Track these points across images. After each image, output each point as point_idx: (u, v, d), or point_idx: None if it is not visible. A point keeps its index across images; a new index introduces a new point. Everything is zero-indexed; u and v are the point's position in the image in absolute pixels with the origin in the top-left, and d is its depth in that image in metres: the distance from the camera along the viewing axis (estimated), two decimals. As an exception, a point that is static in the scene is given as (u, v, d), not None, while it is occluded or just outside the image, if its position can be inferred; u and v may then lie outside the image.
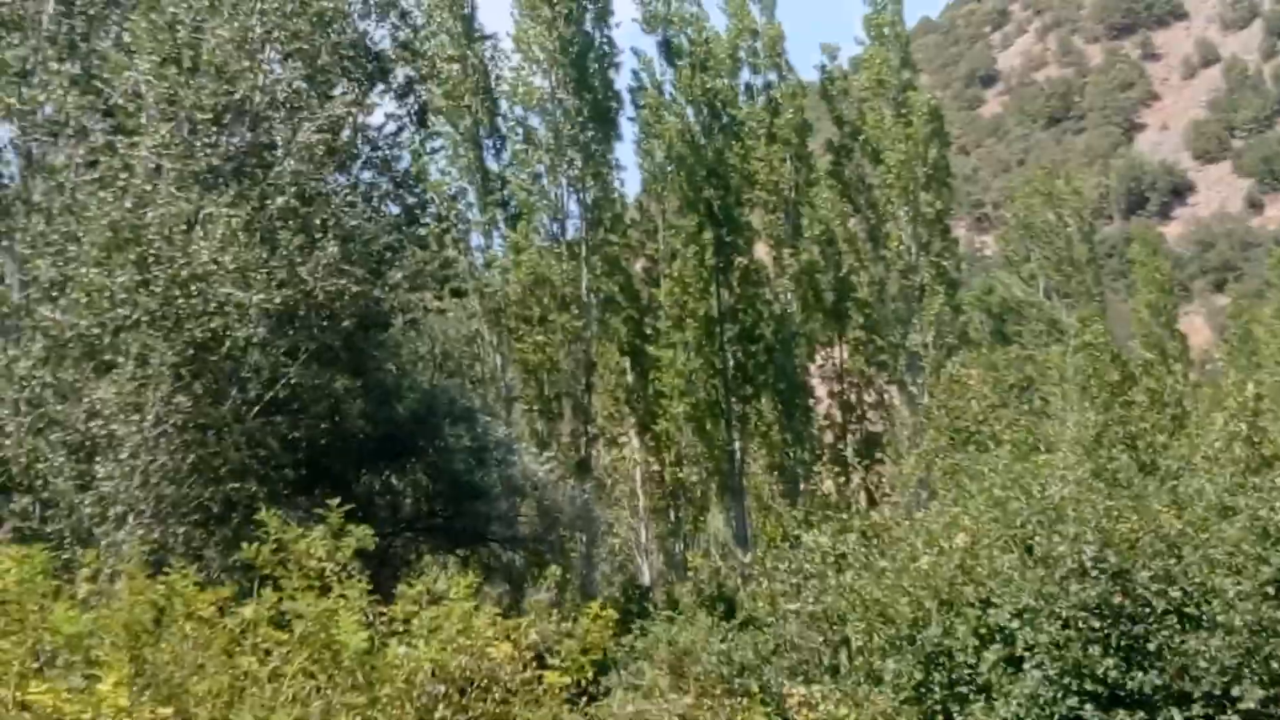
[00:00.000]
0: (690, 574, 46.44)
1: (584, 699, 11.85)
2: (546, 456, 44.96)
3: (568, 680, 10.95)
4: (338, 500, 12.04)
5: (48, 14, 26.41)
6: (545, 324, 51.26)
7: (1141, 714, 14.00)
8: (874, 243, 59.18)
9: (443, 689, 10.54)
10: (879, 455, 57.29)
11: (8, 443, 24.33)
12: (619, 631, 20.44)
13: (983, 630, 14.82)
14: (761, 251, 58.08)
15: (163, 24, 25.50)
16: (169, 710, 9.70)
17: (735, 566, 43.45)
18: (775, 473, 56.04)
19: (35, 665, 10.03)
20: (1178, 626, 14.40)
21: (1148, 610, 14.39)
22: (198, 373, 24.99)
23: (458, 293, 48.76)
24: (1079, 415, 22.19)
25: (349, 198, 31.16)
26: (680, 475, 54.73)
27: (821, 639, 16.64)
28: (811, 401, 56.45)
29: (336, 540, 11.27)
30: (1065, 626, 14.25)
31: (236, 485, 25.64)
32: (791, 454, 54.88)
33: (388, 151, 35.24)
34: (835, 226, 59.13)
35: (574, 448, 50.87)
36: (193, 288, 23.71)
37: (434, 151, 46.34)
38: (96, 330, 24.01)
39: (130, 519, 23.32)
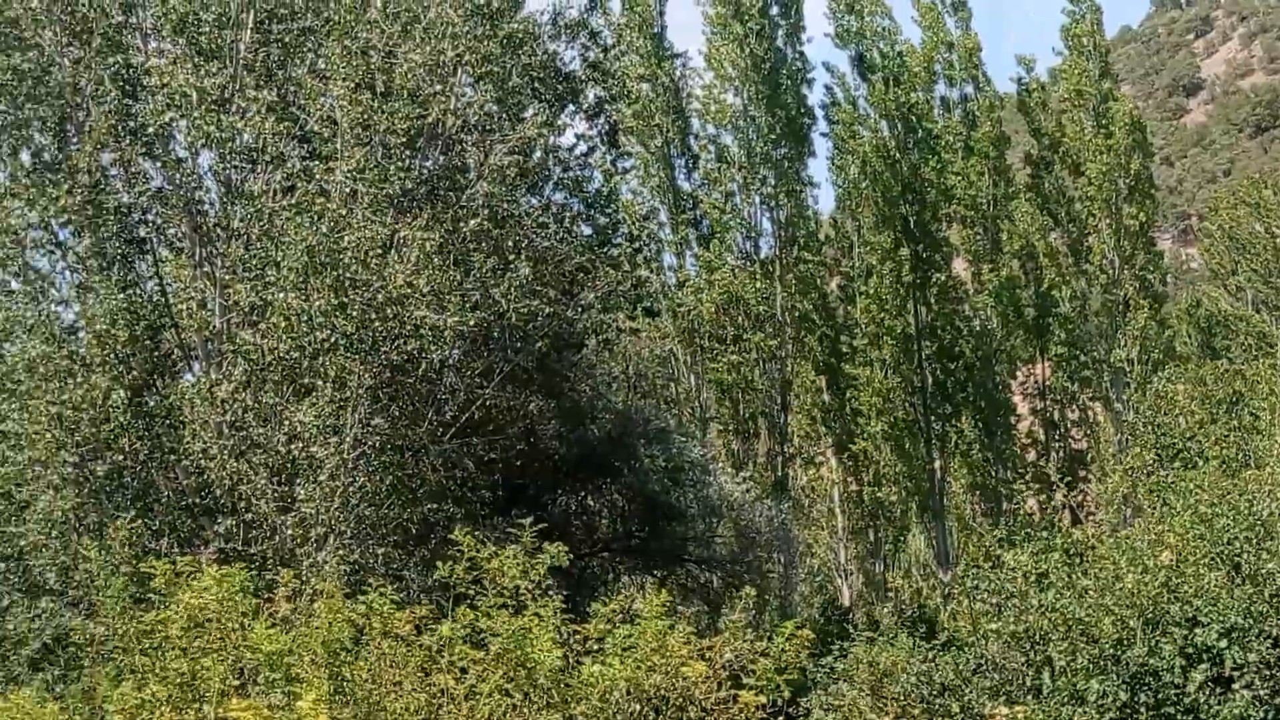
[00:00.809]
0: (891, 594, 46.07)
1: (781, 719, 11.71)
2: (743, 477, 44.85)
3: (763, 700, 10.82)
4: (531, 520, 12.04)
5: (244, 43, 26.86)
6: (739, 343, 51.21)
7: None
8: (1075, 256, 58.08)
9: (637, 708, 10.48)
10: (1083, 473, 56.26)
11: (211, 465, 24.74)
12: (818, 652, 20.26)
13: (1189, 650, 14.43)
14: (959, 267, 57.51)
15: (356, 50, 25.83)
16: (365, 729, 9.76)
17: (936, 587, 42.98)
18: (976, 492, 55.37)
19: (236, 683, 10.13)
20: None
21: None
22: (395, 395, 25.24)
23: (651, 313, 48.92)
24: (1289, 429, 21.56)
25: (541, 219, 31.37)
26: (879, 495, 54.31)
27: (1023, 659, 16.32)
28: (1013, 419, 55.68)
29: (530, 559, 11.27)
30: (1276, 645, 13.81)
31: (434, 506, 25.85)
32: (993, 473, 54.18)
33: (579, 172, 35.45)
34: (1035, 240, 58.25)
35: (770, 467, 50.72)
36: (388, 311, 23.94)
37: (625, 171, 46.50)
38: (295, 354, 24.33)
39: (331, 540, 23.59)
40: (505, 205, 28.87)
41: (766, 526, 41.94)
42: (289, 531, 23.73)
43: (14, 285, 26.91)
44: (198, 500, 25.16)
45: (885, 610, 31.96)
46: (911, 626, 18.50)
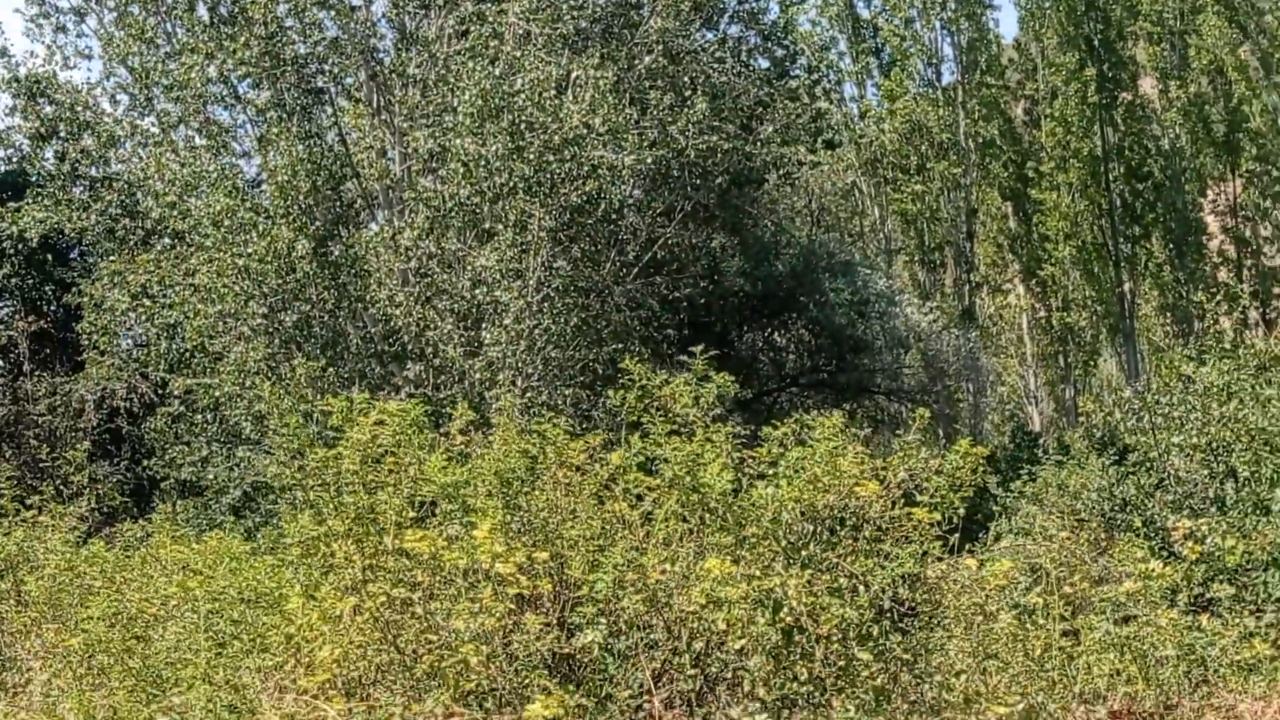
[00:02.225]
0: (1081, 419, 45.66)
1: (960, 538, 11.73)
2: (929, 307, 44.61)
3: (937, 516, 10.86)
4: (702, 349, 12.13)
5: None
6: (923, 172, 50.70)
7: None
8: (1266, 70, 56.42)
9: (810, 528, 10.58)
10: (1276, 290, 55.07)
11: (397, 312, 25.18)
12: (1008, 477, 20.23)
13: (1378, 456, 14.25)
14: (1147, 86, 56.15)
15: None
16: (544, 554, 9.97)
17: (1128, 410, 42.56)
18: (1167, 313, 54.48)
19: (413, 514, 10.40)
20: None
21: None
22: (575, 236, 25.43)
23: (831, 145, 48.56)
24: None
25: (717, 54, 31.24)
26: (1068, 320, 53.69)
27: (1206, 471, 16.20)
28: (1203, 238, 54.57)
29: (700, 385, 11.39)
30: None
31: (619, 346, 26.08)
32: (1183, 293, 53.25)
33: (755, 4, 35.18)
34: (1224, 55, 56.66)
35: (957, 297, 50.39)
36: (565, 152, 24.05)
37: (802, 1, 46.04)
38: (475, 199, 24.58)
39: (518, 382, 23.94)
40: (680, 40, 28.80)
41: (954, 356, 41.78)
42: (476, 375, 24.10)
43: (197, 140, 27.41)
44: (386, 347, 25.63)
45: (1075, 435, 31.75)
46: (1101, 449, 18.42)
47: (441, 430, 12.02)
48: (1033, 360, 54.70)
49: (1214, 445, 16.29)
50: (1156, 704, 12.73)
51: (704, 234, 32.41)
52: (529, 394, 23.52)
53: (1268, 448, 15.30)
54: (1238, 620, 13.72)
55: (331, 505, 9.93)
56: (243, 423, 25.68)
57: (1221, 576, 14.56)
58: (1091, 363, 55.07)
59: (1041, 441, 35.16)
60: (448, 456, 11.31)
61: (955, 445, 11.56)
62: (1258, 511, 15.00)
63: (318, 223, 25.02)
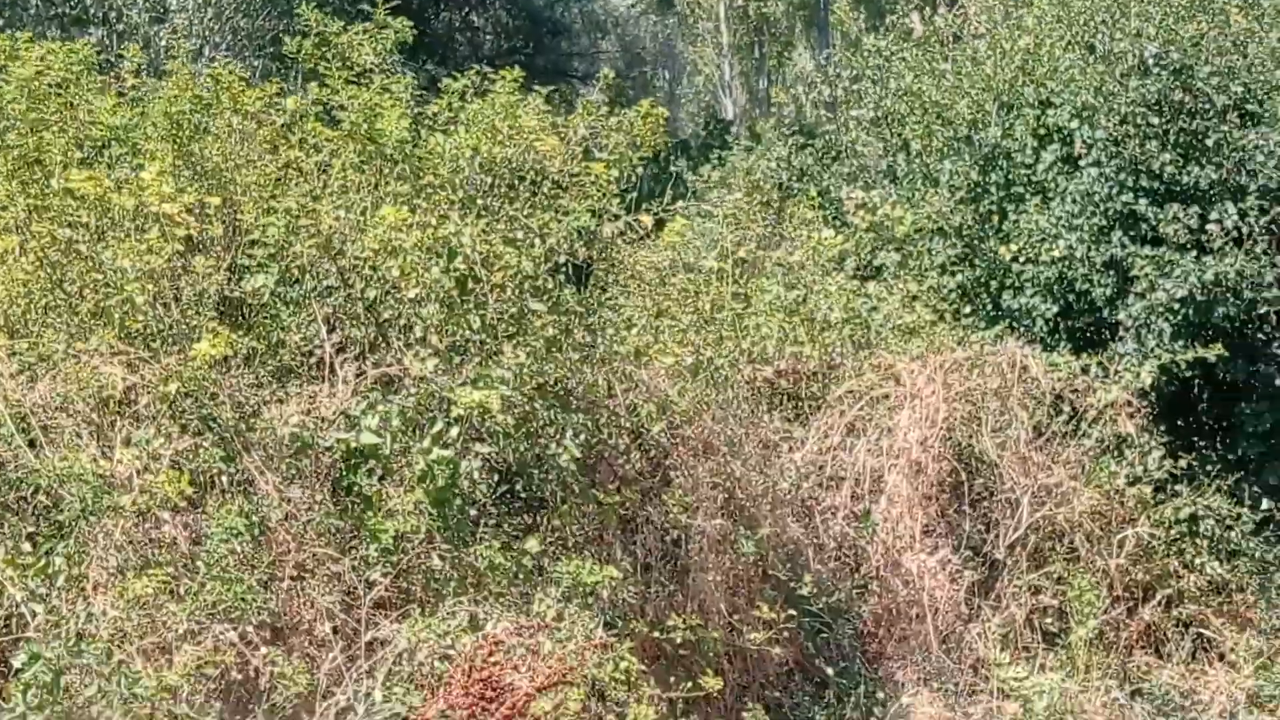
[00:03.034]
0: (773, 109, 46.20)
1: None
2: (628, -9, 44.39)
3: (615, 173, 10.95)
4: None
5: None
6: None
7: (1196, 208, 13.93)
8: None
9: (489, 180, 10.60)
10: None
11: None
12: (699, 162, 20.42)
13: (1041, 130, 14.68)
14: None
15: None
16: (216, 200, 9.84)
17: (819, 101, 43.06)
18: (862, 7, 55.01)
19: (80, 156, 10.16)
20: (1237, 122, 14.18)
21: (1208, 106, 14.16)
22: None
23: None
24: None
25: None
26: (765, 10, 53.86)
27: (881, 145, 16.59)
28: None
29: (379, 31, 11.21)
30: (1123, 123, 14.05)
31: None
32: (874, -12, 53.70)
33: None
34: None
35: (656, -16, 50.18)
36: None
37: None
38: None
39: (205, 51, 23.32)
40: None
41: (652, 43, 41.85)
42: (163, 43, 23.38)
43: None
44: (68, 10, 24.70)
45: (767, 124, 32.10)
46: (791, 137, 18.63)
47: (112, 74, 11.67)
48: (729, 50, 54.88)
49: (889, 118, 16.67)
50: (821, 364, 13.22)
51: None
52: (215, 64, 22.90)
53: (939, 120, 15.70)
54: (902, 286, 14.24)
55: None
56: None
57: (890, 246, 15.04)
58: (786, 54, 55.48)
59: (734, 130, 35.51)
60: (119, 99, 11.01)
61: (638, 105, 11.63)
62: (927, 183, 15.45)
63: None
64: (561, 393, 10.06)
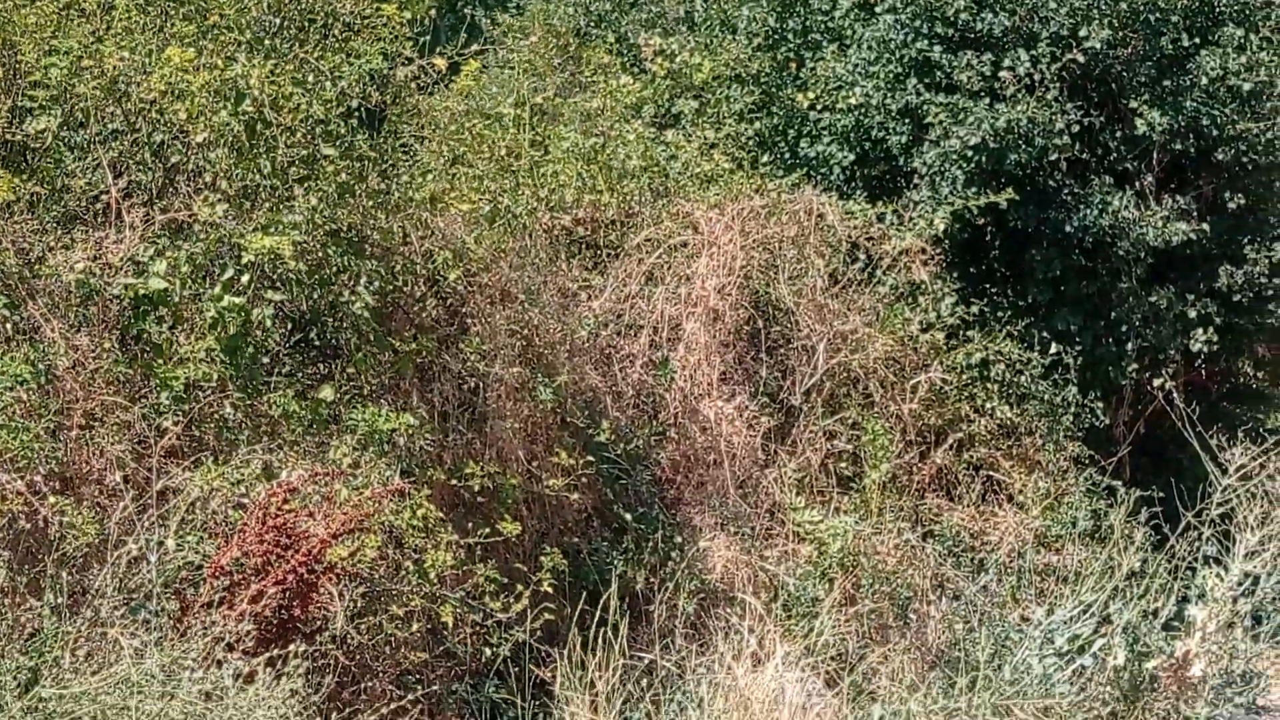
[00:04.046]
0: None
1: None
2: None
3: (408, 15, 10.73)
4: None
5: None
6: None
7: (989, 55, 14.05)
8: None
9: (278, 21, 10.33)
10: None
11: None
12: (494, 7, 20.04)
13: (840, -18, 14.67)
14: None
15: None
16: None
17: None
18: None
19: None
20: (1028, -32, 14.29)
21: (999, -48, 14.26)
22: None
23: None
24: None
25: None
26: None
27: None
28: None
29: None
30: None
31: None
32: None
33: None
34: None
35: None
36: None
37: None
38: None
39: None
40: None
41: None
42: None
43: None
44: None
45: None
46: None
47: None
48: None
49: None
50: (619, 212, 13.17)
51: None
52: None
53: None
54: (700, 134, 14.20)
55: None
56: None
57: (688, 93, 14.96)
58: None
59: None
60: None
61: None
62: (725, 29, 15.38)
63: None
64: (355, 239, 9.91)
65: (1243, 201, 14.99)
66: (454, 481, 9.74)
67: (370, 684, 8.68)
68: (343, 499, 8.24)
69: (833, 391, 12.83)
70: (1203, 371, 15.80)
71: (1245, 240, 15.03)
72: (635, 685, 9.80)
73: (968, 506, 13.08)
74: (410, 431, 9.28)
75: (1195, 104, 14.67)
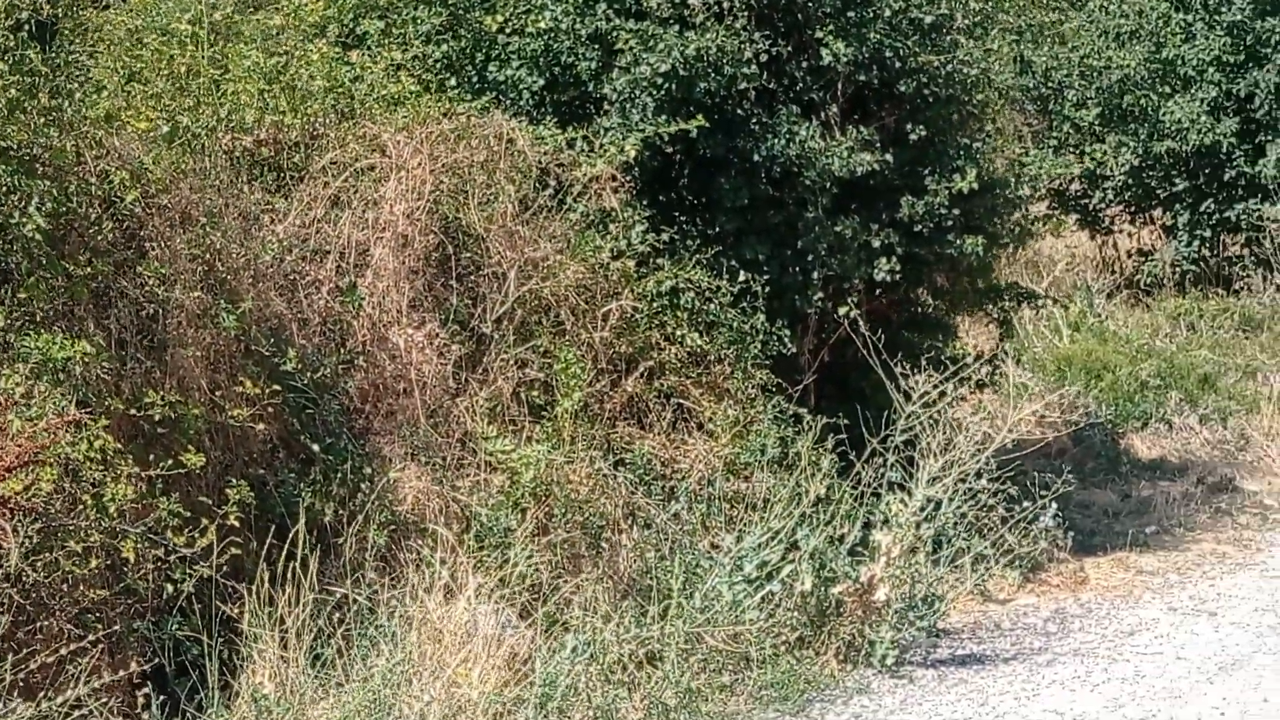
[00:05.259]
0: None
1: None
2: None
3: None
4: None
5: None
6: None
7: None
8: None
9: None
10: None
11: None
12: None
13: None
14: None
15: None
16: None
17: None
18: None
19: None
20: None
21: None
22: None
23: None
24: None
25: None
26: None
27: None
28: None
29: None
30: None
31: None
32: None
33: None
34: None
35: None
36: None
37: None
38: None
39: None
40: None
41: None
42: None
43: None
44: None
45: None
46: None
47: None
48: None
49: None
50: (303, 134, 12.80)
51: None
52: None
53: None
54: (386, 55, 13.86)
55: None
56: None
57: (373, 13, 14.58)
58: None
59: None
60: None
61: None
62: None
63: None
64: (25, 158, 9.45)
65: (924, 133, 15.13)
66: (133, 412, 9.34)
67: (47, 623, 8.33)
68: (15, 430, 7.87)
69: (524, 319, 12.67)
70: (884, 300, 15.97)
71: (926, 172, 15.20)
72: (326, 620, 9.60)
73: (659, 434, 13.07)
74: (86, 359, 8.89)
75: (879, 36, 14.76)
